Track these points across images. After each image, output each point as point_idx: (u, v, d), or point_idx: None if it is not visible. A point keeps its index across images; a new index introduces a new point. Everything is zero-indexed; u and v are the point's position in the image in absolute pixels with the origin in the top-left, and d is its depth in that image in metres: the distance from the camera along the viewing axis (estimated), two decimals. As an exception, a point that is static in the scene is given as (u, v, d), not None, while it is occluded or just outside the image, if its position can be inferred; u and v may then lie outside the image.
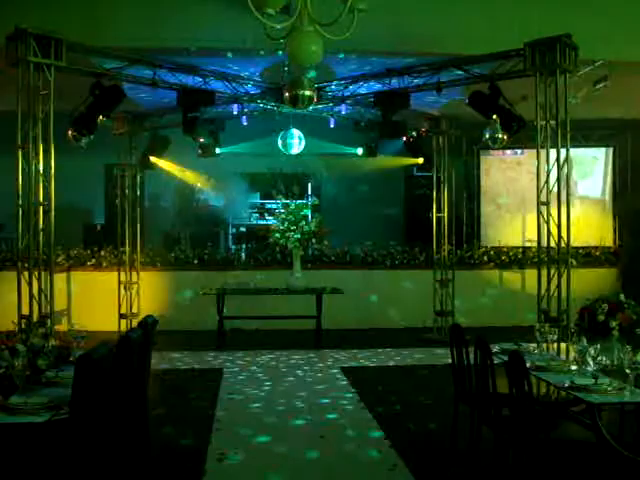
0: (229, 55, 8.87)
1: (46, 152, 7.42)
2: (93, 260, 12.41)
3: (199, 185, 14.79)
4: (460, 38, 8.59)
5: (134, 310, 11.44)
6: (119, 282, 11.44)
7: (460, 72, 8.86)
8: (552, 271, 7.87)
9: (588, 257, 12.81)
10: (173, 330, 10.95)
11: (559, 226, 7.84)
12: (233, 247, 13.89)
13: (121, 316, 11.27)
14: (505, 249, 13.17)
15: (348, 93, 10.25)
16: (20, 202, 7.39)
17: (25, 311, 7.27)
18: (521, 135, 8.91)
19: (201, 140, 10.87)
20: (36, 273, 7.39)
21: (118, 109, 8.72)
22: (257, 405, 7.19)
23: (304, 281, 11.14)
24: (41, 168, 7.41)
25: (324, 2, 5.02)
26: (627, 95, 10.86)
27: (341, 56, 8.91)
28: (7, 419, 3.50)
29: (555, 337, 5.40)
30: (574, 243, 8.21)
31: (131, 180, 11.56)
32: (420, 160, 12.47)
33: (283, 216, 11.17)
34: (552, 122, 7.83)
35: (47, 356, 4.38)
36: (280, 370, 9.00)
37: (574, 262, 8.13)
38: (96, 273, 12.18)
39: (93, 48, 7.93)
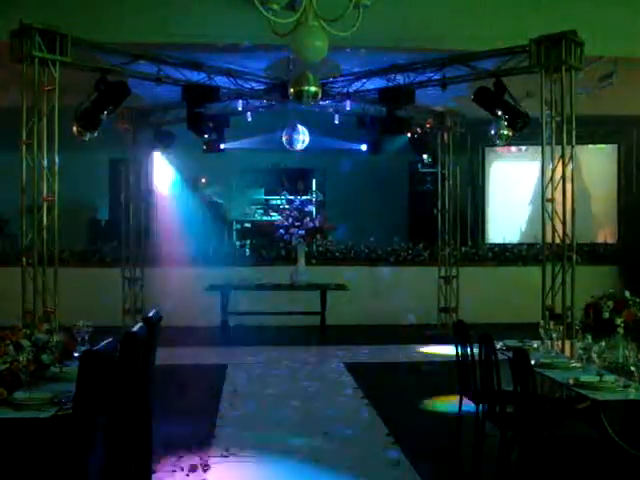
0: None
1: (50, 148, 7.42)
2: (97, 255, 12.43)
3: (203, 181, 14.80)
4: (465, 34, 8.57)
5: (138, 306, 11.45)
6: (123, 278, 11.44)
7: (465, 68, 8.84)
8: (556, 268, 7.86)
9: (592, 254, 12.77)
10: (177, 326, 10.95)
11: (564, 223, 7.83)
12: (237, 243, 13.89)
13: (125, 312, 11.28)
14: (510, 246, 13.16)
15: (353, 89, 10.23)
16: (24, 198, 7.40)
17: (29, 306, 7.28)
18: (526, 132, 8.88)
19: (205, 136, 10.86)
20: (40, 269, 7.40)
21: (122, 104, 8.71)
22: (261, 401, 7.20)
23: (308, 277, 11.14)
24: (45, 164, 7.42)
25: (329, -2, 5.01)
26: (633, 92, 10.82)
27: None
28: (11, 414, 3.51)
29: (560, 334, 5.39)
30: (578, 240, 8.19)
31: (135, 176, 11.56)
32: (425, 156, 12.46)
33: (287, 212, 11.18)
34: (557, 119, 7.80)
35: (51, 351, 4.38)
36: (284, 366, 9.00)
37: (578, 259, 8.11)
38: (100, 269, 12.19)
39: (98, 44, 7.93)
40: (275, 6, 4.77)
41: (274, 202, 14.64)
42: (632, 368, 4.10)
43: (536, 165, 8.18)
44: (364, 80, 9.95)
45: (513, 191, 13.85)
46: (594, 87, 9.72)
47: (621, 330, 4.90)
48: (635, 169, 13.74)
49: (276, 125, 11.55)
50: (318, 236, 11.37)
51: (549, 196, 7.88)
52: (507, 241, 13.48)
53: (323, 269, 12.10)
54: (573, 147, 7.81)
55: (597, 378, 4.09)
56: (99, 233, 13.56)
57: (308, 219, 11.11)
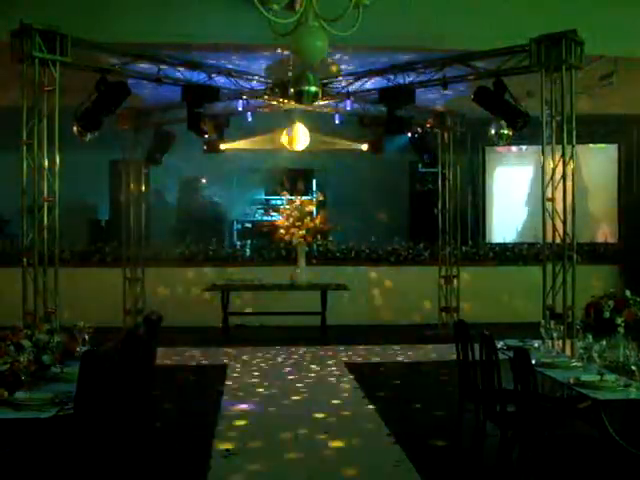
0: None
1: (51, 148, 7.42)
2: (98, 256, 12.43)
3: (204, 181, 14.80)
4: (465, 34, 8.55)
5: (139, 306, 11.45)
6: (124, 278, 11.44)
7: (465, 68, 8.83)
8: (557, 267, 7.86)
9: (593, 253, 12.77)
10: (178, 326, 10.95)
11: (564, 222, 7.82)
12: (238, 243, 13.89)
13: (126, 312, 11.28)
14: (510, 245, 13.17)
15: (353, 89, 10.23)
16: (25, 198, 7.39)
17: (30, 307, 7.29)
18: (526, 131, 8.88)
19: (206, 136, 10.85)
20: (41, 269, 7.40)
21: (122, 104, 8.70)
22: (261, 401, 7.19)
23: (309, 277, 11.14)
24: (46, 164, 7.42)
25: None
26: (633, 91, 10.81)
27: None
28: (12, 414, 3.51)
29: (560, 334, 5.39)
30: (579, 239, 8.19)
31: (136, 176, 11.56)
32: (425, 156, 12.45)
33: (288, 212, 11.17)
34: (557, 118, 7.80)
35: (52, 352, 4.39)
36: (284, 366, 9.01)
37: (579, 258, 8.11)
38: (101, 269, 12.19)
39: (98, 44, 7.93)
40: (275, 6, 4.78)
41: (274, 202, 14.63)
42: (633, 367, 4.11)
43: (536, 165, 8.16)
44: (364, 80, 9.94)
45: (513, 191, 13.86)
46: (594, 86, 9.71)
47: (622, 329, 4.90)
48: (635, 169, 13.73)
49: (276, 125, 11.54)
50: (318, 236, 11.36)
51: (549, 195, 7.88)
52: (507, 241, 13.49)
53: (323, 269, 12.09)
54: (573, 146, 7.80)
55: (598, 377, 4.09)
56: (99, 233, 13.56)
57: (308, 219, 11.09)
